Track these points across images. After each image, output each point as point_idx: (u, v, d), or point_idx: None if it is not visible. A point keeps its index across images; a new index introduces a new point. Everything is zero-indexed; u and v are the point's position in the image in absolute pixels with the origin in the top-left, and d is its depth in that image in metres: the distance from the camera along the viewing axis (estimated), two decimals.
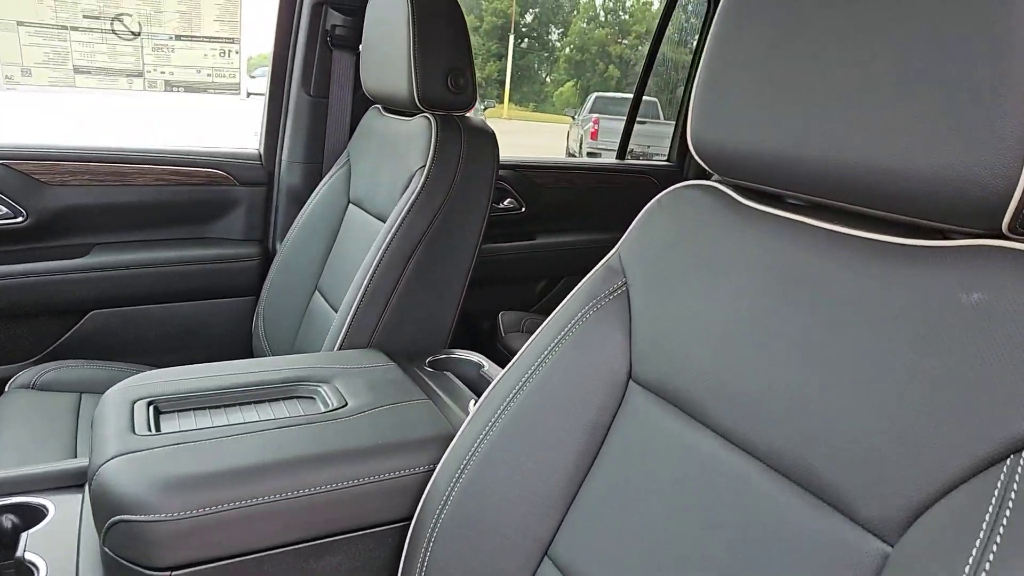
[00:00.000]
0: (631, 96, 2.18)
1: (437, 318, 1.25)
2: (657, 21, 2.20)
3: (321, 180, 1.53)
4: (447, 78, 1.23)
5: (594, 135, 11.44)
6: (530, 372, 0.75)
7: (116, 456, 0.77)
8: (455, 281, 1.25)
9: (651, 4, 32.80)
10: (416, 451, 0.85)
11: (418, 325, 1.23)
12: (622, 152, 2.29)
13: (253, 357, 1.59)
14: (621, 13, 33.75)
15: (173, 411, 0.91)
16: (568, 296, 0.79)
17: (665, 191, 0.74)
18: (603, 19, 34.17)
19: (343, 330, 1.17)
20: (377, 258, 1.17)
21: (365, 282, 1.17)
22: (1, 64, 1.40)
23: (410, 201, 1.18)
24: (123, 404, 0.89)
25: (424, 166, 1.20)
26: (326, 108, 1.61)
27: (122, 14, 1.45)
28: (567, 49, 34.24)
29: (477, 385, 1.12)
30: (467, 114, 1.30)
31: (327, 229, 1.48)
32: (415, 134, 1.25)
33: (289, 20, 1.57)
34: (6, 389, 1.31)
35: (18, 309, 1.47)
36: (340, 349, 1.17)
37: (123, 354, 1.58)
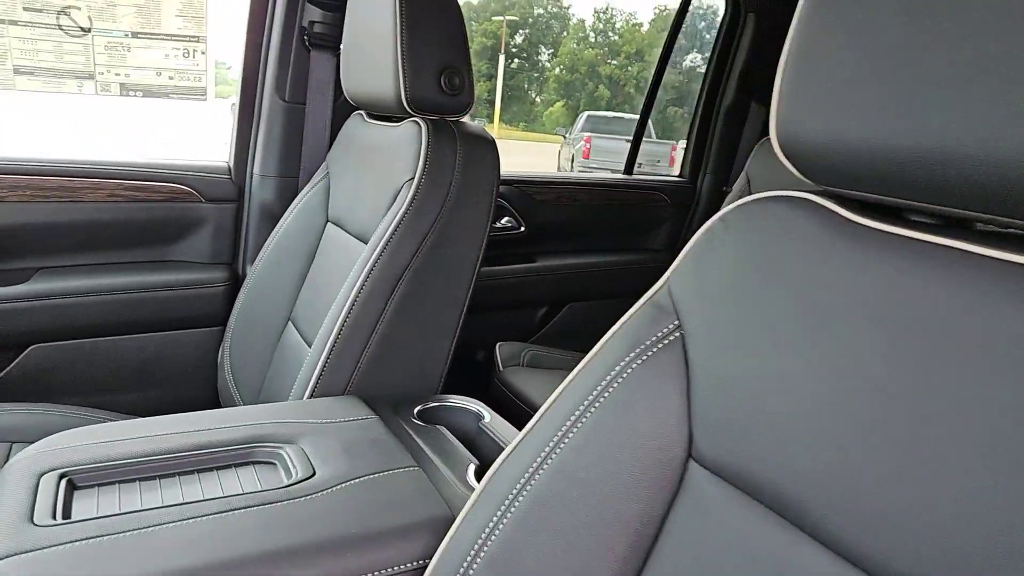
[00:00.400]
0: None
1: (428, 357, 1.06)
2: (663, 38, 2.06)
3: (297, 196, 1.35)
4: (440, 77, 1.05)
5: (586, 154, 11.36)
6: (555, 442, 0.57)
7: (2, 558, 0.58)
8: (449, 313, 1.07)
9: (641, 25, 33.12)
10: (402, 541, 0.67)
11: (405, 366, 1.04)
12: (629, 167, 2.13)
13: (218, 396, 1.40)
14: (611, 34, 34.02)
15: (92, 485, 0.72)
16: (602, 341, 0.60)
17: (733, 205, 0.56)
18: (593, 40, 34.45)
19: (316, 372, 0.98)
20: (357, 287, 0.99)
21: (343, 315, 0.99)
22: None
23: (396, 219, 1.00)
24: (26, 478, 0.70)
25: (413, 178, 1.02)
26: (303, 115, 1.44)
27: (69, 7, 1.27)
28: (557, 69, 34.43)
29: (476, 443, 0.94)
30: (463, 119, 1.13)
31: (302, 251, 1.30)
32: (403, 141, 1.07)
33: (262, 17, 1.40)
34: None
35: None
36: (312, 395, 0.99)
37: (69, 395, 1.39)
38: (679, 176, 2.13)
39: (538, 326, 1.92)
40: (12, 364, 1.34)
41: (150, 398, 1.47)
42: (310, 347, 1.13)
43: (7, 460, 1.10)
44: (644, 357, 0.56)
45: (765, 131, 1.96)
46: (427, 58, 1.05)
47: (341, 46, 1.29)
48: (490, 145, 1.09)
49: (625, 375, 0.56)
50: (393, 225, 1.00)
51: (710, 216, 1.96)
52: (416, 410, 0.97)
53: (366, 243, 1.08)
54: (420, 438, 0.88)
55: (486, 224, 1.08)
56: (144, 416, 1.31)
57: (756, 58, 1.97)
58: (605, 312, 1.96)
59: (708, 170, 2.07)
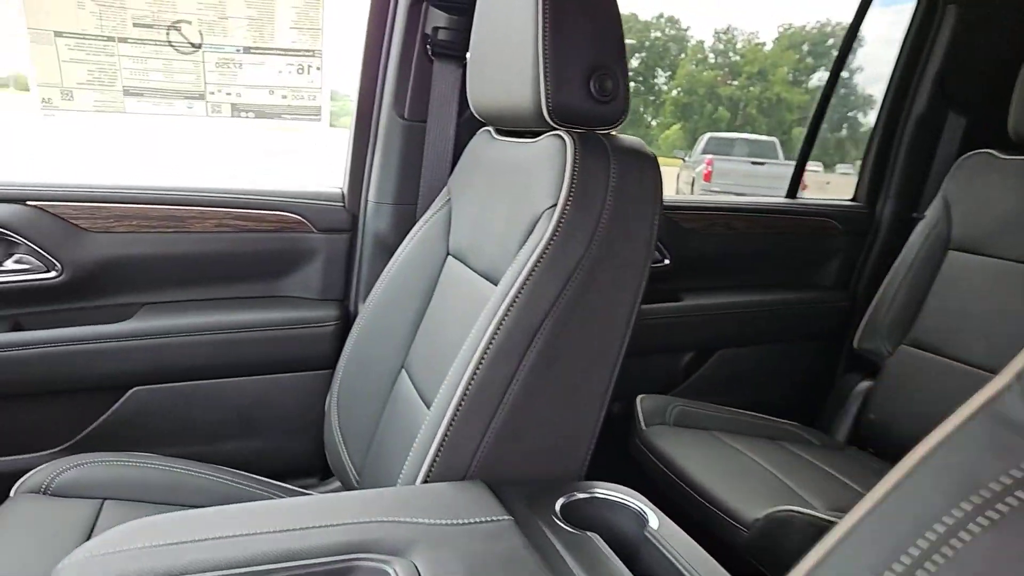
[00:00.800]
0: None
1: (570, 430, 0.84)
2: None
3: (415, 225, 1.19)
4: (589, 80, 0.84)
5: (707, 177, 10.90)
6: None
7: None
8: (597, 373, 0.85)
9: (763, 45, 32.06)
10: None
11: (542, 441, 0.83)
12: (793, 191, 1.84)
13: (324, 448, 1.24)
14: (731, 54, 33.10)
15: None
16: (897, 474, 0.36)
17: None
18: (712, 61, 33.67)
19: (433, 447, 0.78)
20: (485, 340, 0.79)
21: (467, 375, 0.79)
22: (37, 85, 1.14)
23: (534, 256, 0.79)
24: None
25: (555, 204, 0.81)
26: (423, 135, 1.27)
27: (180, 21, 1.17)
28: (674, 92, 33.83)
29: (639, 557, 0.70)
30: (615, 132, 0.91)
31: (419, 289, 1.12)
32: (542, 160, 0.87)
33: (381, 25, 1.25)
34: (12, 492, 1.01)
35: (45, 386, 1.19)
36: (428, 475, 0.79)
37: (169, 442, 1.27)
38: (852, 200, 1.82)
39: (683, 375, 1.66)
40: (112, 408, 1.24)
41: (252, 448, 1.34)
42: (424, 402, 0.94)
43: (97, 519, 0.98)
44: (989, 515, 0.32)
45: (967, 144, 1.61)
46: (574, 58, 0.84)
47: (468, 54, 1.12)
48: (650, 162, 0.87)
49: (956, 544, 0.32)
50: (530, 263, 0.79)
51: (893, 248, 1.62)
52: (559, 505, 0.75)
53: (494, 283, 0.88)
54: (568, 553, 0.66)
55: (645, 261, 0.85)
56: (244, 469, 1.18)
57: (956, 58, 1.64)
58: (763, 360, 1.67)
59: (890, 193, 1.75)
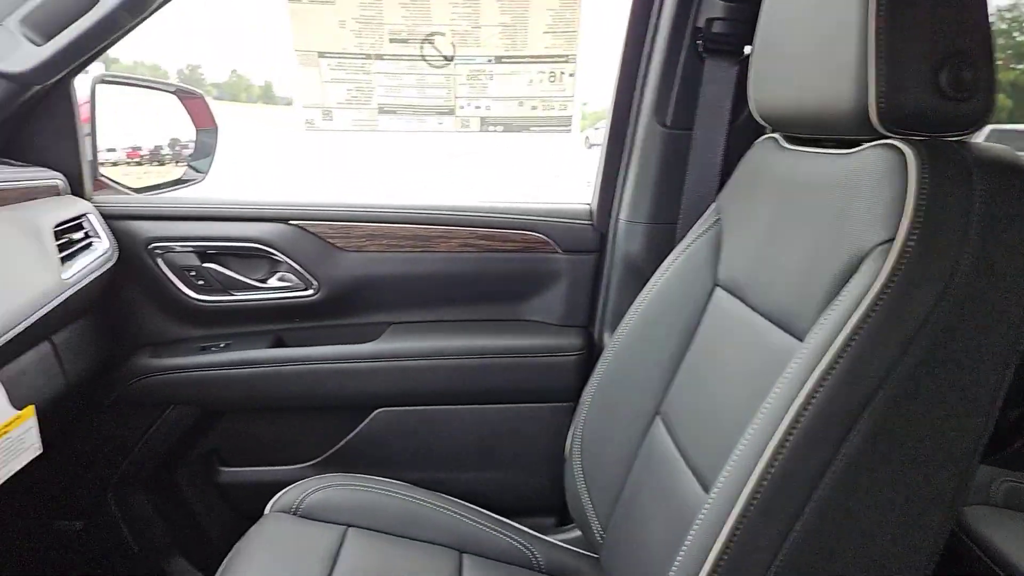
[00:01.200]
0: None
1: (903, 546, 0.63)
2: None
3: (673, 249, 1.02)
4: (939, 72, 0.62)
5: None
6: None
7: None
8: (947, 470, 0.62)
9: None
10: None
11: (863, 557, 0.62)
12: None
13: (563, 488, 1.13)
14: (1016, 34, 28.34)
15: None
16: None
17: None
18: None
19: (716, 549, 0.62)
20: (790, 416, 0.60)
21: (765, 459, 0.61)
22: (303, 107, 1.16)
23: (861, 309, 0.59)
24: None
25: (892, 240, 0.60)
26: (688, 145, 1.10)
27: (434, 33, 1.13)
28: None
29: None
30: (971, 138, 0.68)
31: (679, 323, 0.96)
32: (867, 178, 0.66)
33: (644, 19, 1.10)
34: (267, 509, 1.03)
35: (300, 401, 1.22)
36: None
37: (408, 465, 1.25)
38: None
39: (1008, 436, 1.31)
40: (357, 428, 1.23)
41: (489, 479, 1.27)
42: (691, 468, 0.78)
43: (340, 546, 0.95)
44: None
45: None
46: (919, 43, 0.62)
47: (749, 47, 0.93)
48: None
49: None
50: (855, 319, 0.59)
51: None
52: None
53: (790, 332, 0.70)
54: None
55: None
56: (480, 501, 1.10)
57: None
58: None
59: None
